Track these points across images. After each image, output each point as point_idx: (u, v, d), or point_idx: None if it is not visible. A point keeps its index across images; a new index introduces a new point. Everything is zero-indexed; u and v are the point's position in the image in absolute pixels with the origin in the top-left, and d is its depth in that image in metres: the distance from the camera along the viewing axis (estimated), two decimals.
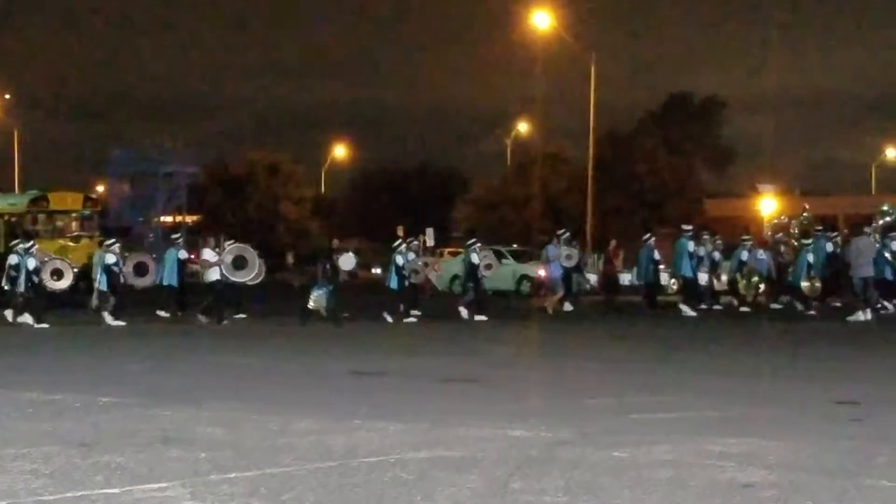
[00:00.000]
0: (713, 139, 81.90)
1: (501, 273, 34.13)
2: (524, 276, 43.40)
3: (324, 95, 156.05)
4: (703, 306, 30.93)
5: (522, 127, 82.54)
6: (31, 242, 28.19)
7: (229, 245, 29.08)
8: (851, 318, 27.62)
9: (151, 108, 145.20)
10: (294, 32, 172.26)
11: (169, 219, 74.25)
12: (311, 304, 28.34)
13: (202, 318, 27.81)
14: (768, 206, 78.91)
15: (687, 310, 30.10)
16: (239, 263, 28.25)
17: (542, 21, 56.69)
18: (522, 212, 70.05)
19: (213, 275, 28.38)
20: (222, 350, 21.08)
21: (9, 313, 27.62)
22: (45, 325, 26.30)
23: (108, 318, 27.20)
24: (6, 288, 27.98)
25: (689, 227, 32.09)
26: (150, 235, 72.20)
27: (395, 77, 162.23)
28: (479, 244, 30.64)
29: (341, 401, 13.29)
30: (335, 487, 8.19)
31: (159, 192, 72.21)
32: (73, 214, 41.06)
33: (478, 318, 28.61)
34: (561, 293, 31.81)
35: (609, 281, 35.36)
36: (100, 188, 76.88)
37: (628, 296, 35.27)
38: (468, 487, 8.11)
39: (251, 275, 28.67)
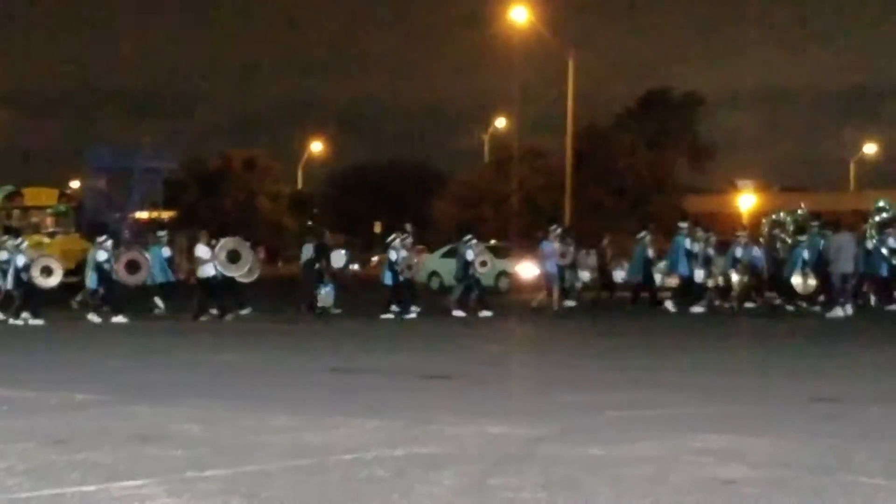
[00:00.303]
0: (692, 135, 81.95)
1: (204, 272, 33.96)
2: (502, 272, 43.38)
3: (302, 92, 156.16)
4: (700, 306, 30.70)
5: (500, 122, 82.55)
6: (20, 239, 28.07)
7: (222, 239, 29.03)
8: (831, 315, 27.65)
9: (130, 104, 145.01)
10: (272, 29, 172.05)
11: (145, 215, 74.05)
12: (319, 302, 28.52)
13: (203, 318, 27.76)
14: (747, 201, 79.20)
15: (695, 308, 30.13)
16: (232, 257, 28.25)
17: (519, 16, 56.67)
18: (500, 208, 70.08)
19: (208, 271, 28.28)
20: (200, 347, 21.00)
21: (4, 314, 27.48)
22: (40, 321, 26.24)
23: (92, 316, 27.20)
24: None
25: (685, 225, 32.01)
26: (126, 232, 71.99)
27: (373, 73, 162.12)
28: (474, 240, 30.64)
29: (318, 398, 13.25)
30: (312, 485, 8.15)
31: (135, 187, 72.00)
32: (49, 210, 40.93)
33: (483, 314, 28.74)
34: (556, 290, 31.79)
35: (606, 277, 35.43)
36: (75, 184, 76.61)
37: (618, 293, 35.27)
38: (446, 484, 8.07)
39: (245, 268, 28.63)
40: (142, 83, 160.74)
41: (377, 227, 73.79)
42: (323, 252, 29.93)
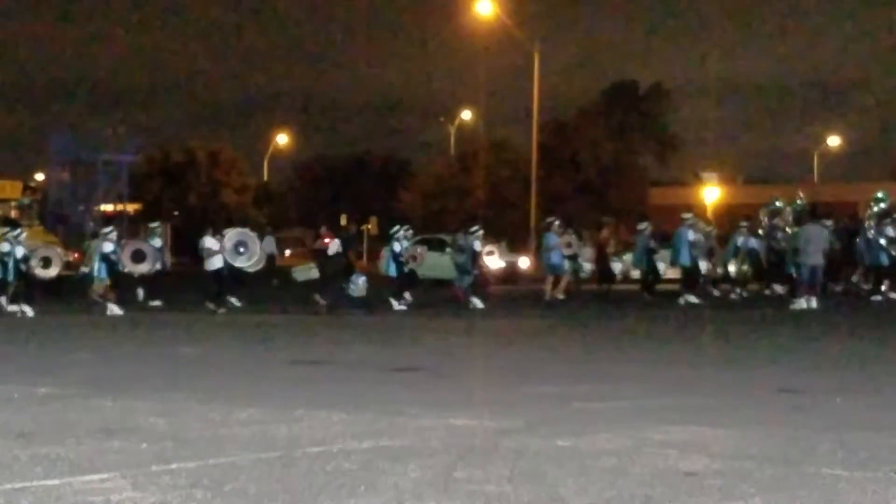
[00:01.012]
0: (657, 127, 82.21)
1: (445, 262, 34.11)
2: None
3: (269, 84, 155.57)
4: (696, 297, 30.85)
5: (466, 115, 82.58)
6: (19, 230, 28.21)
7: (230, 231, 29.19)
8: (794, 306, 27.79)
9: (94, 96, 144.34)
10: (239, 21, 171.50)
11: (109, 207, 73.71)
12: (353, 292, 28.66)
13: (211, 306, 27.99)
14: (711, 193, 79.42)
15: (692, 299, 30.22)
16: (240, 249, 28.43)
17: (485, 9, 56.68)
18: (466, 200, 70.06)
19: (216, 263, 28.46)
20: (165, 340, 20.94)
21: (2, 299, 27.66)
22: (30, 312, 26.29)
23: (114, 308, 27.28)
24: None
25: (689, 216, 32.14)
26: (91, 224, 71.61)
27: (340, 65, 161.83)
28: (481, 231, 31.11)
29: (284, 390, 13.24)
30: (278, 478, 8.14)
31: (99, 180, 71.63)
32: (12, 203, 40.72)
33: (476, 301, 29.22)
34: (564, 280, 32.14)
35: (603, 269, 35.55)
36: (40, 176, 76.22)
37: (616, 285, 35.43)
38: (411, 477, 8.09)
39: (253, 259, 28.91)
40: (106, 75, 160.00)
41: (343, 220, 73.64)
42: (350, 245, 30.21)
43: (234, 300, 28.78)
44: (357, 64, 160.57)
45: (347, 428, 10.26)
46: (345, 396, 12.53)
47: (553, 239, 31.87)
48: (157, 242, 31.11)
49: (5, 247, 27.50)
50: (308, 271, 30.77)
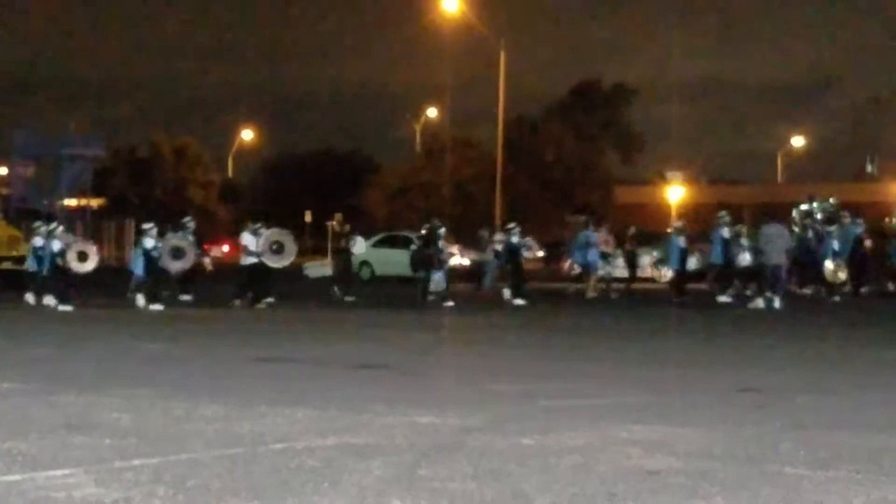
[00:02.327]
0: (622, 126, 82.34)
1: (407, 259, 34.28)
2: None
3: (235, 79, 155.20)
4: (728, 296, 31.14)
5: (432, 112, 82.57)
6: (55, 224, 28.40)
7: (267, 230, 29.36)
8: (752, 305, 27.99)
9: (59, 91, 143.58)
10: (206, 16, 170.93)
11: (73, 202, 73.41)
12: (431, 288, 29.37)
13: (237, 303, 28.25)
14: (676, 193, 79.64)
15: (725, 298, 30.53)
16: (277, 248, 28.62)
17: (450, 5, 56.68)
18: (431, 197, 70.07)
19: (251, 259, 28.67)
20: (129, 335, 20.84)
21: (30, 296, 28.08)
22: (69, 308, 26.42)
23: (141, 301, 27.47)
24: (31, 270, 28.53)
25: (724, 213, 32.40)
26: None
27: (307, 62, 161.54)
28: (518, 228, 31.89)
29: (248, 387, 13.20)
30: (241, 474, 8.13)
31: (63, 174, 71.33)
32: None
33: (518, 301, 29.91)
34: (598, 275, 32.99)
35: (631, 268, 36.21)
36: (3, 171, 75.86)
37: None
38: (375, 474, 8.09)
39: (289, 260, 29.21)
40: (70, 70, 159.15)
41: (307, 216, 73.54)
42: (432, 240, 30.76)
43: (270, 299, 28.67)
44: (324, 61, 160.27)
45: (312, 425, 10.25)
46: (309, 393, 12.52)
47: (593, 236, 32.56)
48: (150, 243, 31.14)
49: (38, 241, 28.07)
50: (321, 268, 31.24)
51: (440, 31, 63.53)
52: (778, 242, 28.75)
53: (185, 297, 29.38)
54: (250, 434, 9.70)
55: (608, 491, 7.64)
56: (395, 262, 35.43)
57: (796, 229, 34.73)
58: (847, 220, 34.24)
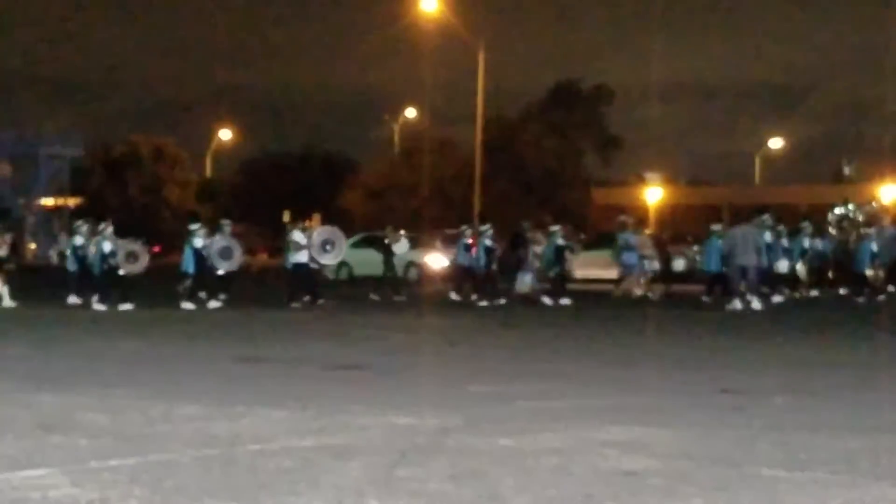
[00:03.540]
0: (600, 127, 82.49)
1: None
2: (411, 263, 43.37)
3: (216, 79, 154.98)
4: (779, 296, 31.41)
5: (410, 112, 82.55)
6: (105, 225, 28.53)
7: (318, 227, 30.26)
8: (729, 307, 28.07)
9: (36, 90, 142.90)
10: (186, 16, 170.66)
11: (50, 201, 73.24)
12: (520, 289, 29.17)
13: (296, 305, 28.53)
14: (654, 194, 79.85)
15: (778, 298, 31.00)
16: (328, 246, 28.89)
17: (430, 5, 56.71)
18: (409, 198, 70.09)
19: (301, 258, 28.94)
20: (107, 335, 20.79)
21: (73, 298, 28.27)
22: (129, 306, 26.73)
23: (186, 304, 27.78)
24: (70, 269, 28.82)
25: (766, 216, 32.56)
26: (31, 218, 71.11)
27: (286, 62, 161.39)
28: (562, 229, 32.51)
29: (226, 387, 13.17)
30: (218, 475, 8.11)
31: (40, 173, 71.16)
32: None
33: (563, 301, 30.55)
34: (636, 276, 33.24)
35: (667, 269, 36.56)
36: None
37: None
38: (353, 475, 8.07)
39: (339, 257, 30.29)
40: (48, 69, 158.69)
41: (286, 216, 73.43)
42: (522, 242, 31.30)
43: (316, 298, 28.94)
44: (303, 61, 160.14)
45: (289, 425, 10.23)
46: (286, 393, 12.49)
47: (634, 239, 32.84)
48: (199, 242, 31.15)
49: (78, 241, 28.47)
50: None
51: (420, 32, 63.56)
52: (747, 244, 28.88)
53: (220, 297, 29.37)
54: (228, 434, 9.67)
55: (586, 492, 7.63)
56: (373, 262, 35.36)
57: (833, 232, 35.15)
58: (887, 222, 34.61)
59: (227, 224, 31.54)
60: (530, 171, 73.10)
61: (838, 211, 37.47)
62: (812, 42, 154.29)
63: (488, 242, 31.84)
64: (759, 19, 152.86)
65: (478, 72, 57.56)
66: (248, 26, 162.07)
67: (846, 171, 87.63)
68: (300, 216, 36.03)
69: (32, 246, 73.08)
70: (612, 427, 10.14)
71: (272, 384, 13.55)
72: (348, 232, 51.89)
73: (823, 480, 8.10)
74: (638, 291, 32.73)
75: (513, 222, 40.26)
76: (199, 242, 28.55)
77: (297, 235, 29.41)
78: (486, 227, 32.53)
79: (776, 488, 7.84)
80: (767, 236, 31.23)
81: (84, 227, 28.75)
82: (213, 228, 30.81)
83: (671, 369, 15.78)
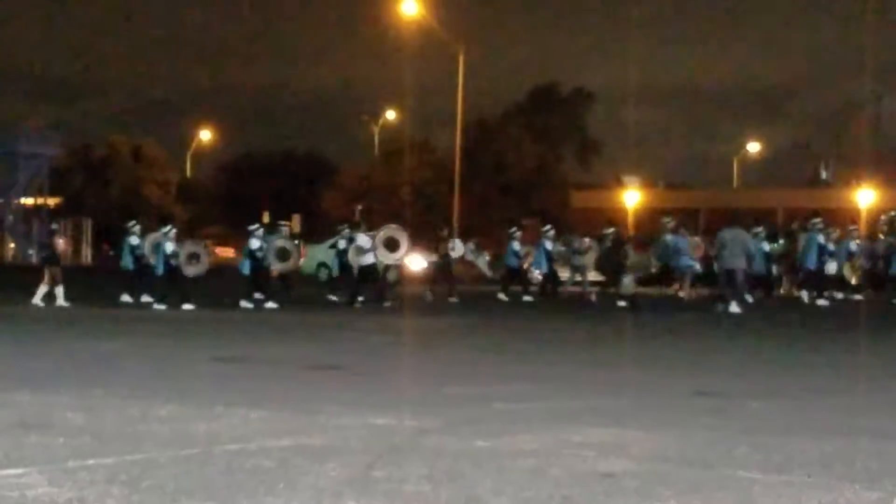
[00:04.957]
0: (579, 130, 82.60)
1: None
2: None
3: (197, 80, 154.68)
4: (825, 299, 31.80)
5: (391, 114, 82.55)
6: (169, 226, 28.80)
7: (382, 228, 30.37)
8: (719, 310, 28.11)
9: (14, 89, 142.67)
10: (165, 16, 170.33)
11: (30, 201, 73.01)
12: (622, 290, 30.11)
13: (358, 303, 29.03)
14: (632, 197, 79.96)
15: (822, 301, 31.38)
16: (392, 245, 29.17)
17: (410, 8, 56.70)
18: (389, 200, 70.07)
19: (368, 259, 29.40)
20: (86, 335, 20.78)
21: (126, 296, 28.76)
22: (191, 306, 26.95)
23: (245, 303, 28.15)
24: (126, 268, 29.39)
25: (818, 220, 32.75)
26: (10, 217, 70.86)
27: (267, 63, 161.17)
28: (553, 231, 33.33)
29: (204, 387, 13.17)
30: (196, 474, 8.11)
31: (20, 173, 70.92)
32: None
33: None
34: (688, 280, 33.48)
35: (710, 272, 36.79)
36: None
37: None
38: (330, 476, 8.08)
39: (404, 255, 30.62)
40: (27, 68, 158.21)
41: (265, 217, 73.40)
42: (621, 246, 31.67)
43: (361, 298, 29.32)
44: (284, 63, 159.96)
45: (266, 425, 10.24)
46: (264, 394, 12.50)
47: (684, 242, 33.00)
48: (134, 240, 31.18)
49: (134, 240, 28.99)
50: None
51: (401, 34, 63.55)
52: (735, 247, 28.90)
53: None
54: (205, 434, 9.68)
55: (562, 494, 7.66)
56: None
57: (882, 237, 35.51)
58: None
59: (283, 225, 31.80)
60: (510, 174, 73.12)
61: (893, 214, 37.84)
62: (792, 47, 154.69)
63: (549, 245, 32.48)
64: (741, 25, 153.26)
65: (458, 74, 57.60)
66: (228, 27, 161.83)
67: (823, 175, 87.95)
68: (287, 217, 36.27)
69: (12, 245, 72.96)
70: (588, 429, 10.17)
71: (249, 384, 13.55)
72: (327, 234, 52.00)
73: (799, 483, 8.14)
74: (682, 293, 32.95)
75: (491, 224, 40.30)
76: (255, 244, 28.82)
77: (362, 239, 29.77)
78: (548, 228, 33.14)
79: (751, 490, 7.87)
80: (821, 239, 31.67)
81: (137, 226, 29.14)
82: (268, 229, 31.33)
83: (648, 371, 15.81)
